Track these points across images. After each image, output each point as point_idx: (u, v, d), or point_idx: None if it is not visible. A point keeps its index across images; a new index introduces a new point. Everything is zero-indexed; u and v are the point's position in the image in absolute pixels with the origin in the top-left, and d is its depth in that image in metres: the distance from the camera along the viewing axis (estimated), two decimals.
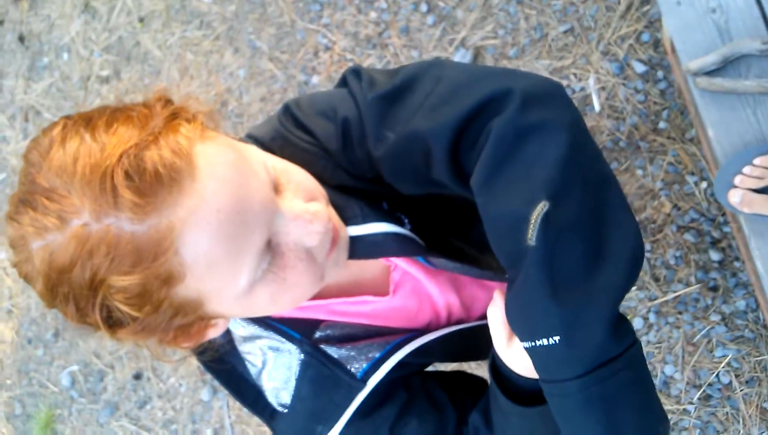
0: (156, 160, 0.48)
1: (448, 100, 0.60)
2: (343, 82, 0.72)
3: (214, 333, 0.62)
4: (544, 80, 0.60)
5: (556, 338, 0.53)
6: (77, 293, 0.49)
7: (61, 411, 2.75)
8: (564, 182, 0.53)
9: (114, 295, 0.49)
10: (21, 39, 2.96)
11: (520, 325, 0.57)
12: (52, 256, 0.48)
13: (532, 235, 0.52)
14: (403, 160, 0.65)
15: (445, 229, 0.83)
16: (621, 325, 0.55)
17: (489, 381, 0.69)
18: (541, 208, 0.52)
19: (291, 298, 0.61)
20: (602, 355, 0.54)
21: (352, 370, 0.72)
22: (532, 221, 0.52)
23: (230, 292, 0.54)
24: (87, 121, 0.51)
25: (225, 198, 0.51)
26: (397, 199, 0.75)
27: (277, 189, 0.58)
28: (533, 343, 0.55)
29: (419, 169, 0.64)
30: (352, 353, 0.73)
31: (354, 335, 0.76)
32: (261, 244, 0.54)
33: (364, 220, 0.69)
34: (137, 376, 2.56)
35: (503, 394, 0.66)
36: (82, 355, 2.70)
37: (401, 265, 0.79)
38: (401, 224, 0.73)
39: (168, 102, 0.56)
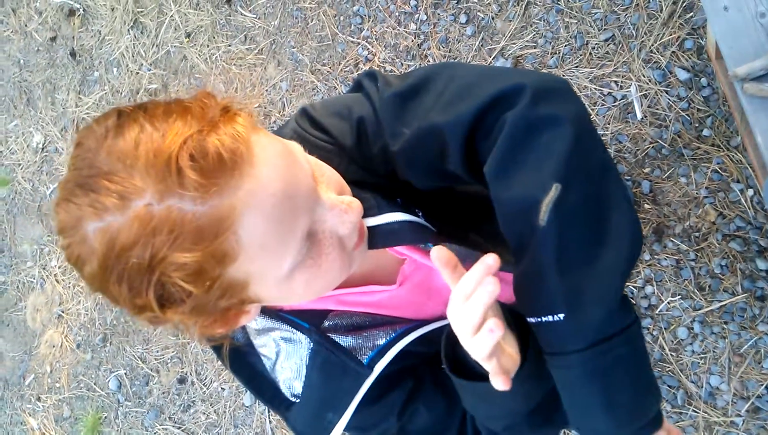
0: (218, 145, 0.50)
1: (463, 96, 0.64)
2: (357, 87, 0.77)
3: (245, 320, 0.64)
4: (552, 77, 0.65)
5: (561, 315, 0.58)
6: (133, 272, 0.51)
7: (108, 414, 2.82)
8: (570, 171, 0.58)
9: (172, 273, 0.51)
10: (72, 54, 3.08)
11: (526, 302, 0.62)
12: (112, 236, 0.49)
13: (543, 217, 0.57)
14: (419, 153, 0.69)
15: (459, 223, 0.86)
16: (622, 304, 0.60)
17: (445, 366, 0.72)
18: (554, 191, 0.57)
19: (323, 285, 0.64)
20: (603, 331, 0.59)
21: (360, 357, 0.75)
22: (545, 204, 0.57)
23: (274, 274, 0.57)
24: (144, 110, 0.53)
25: (278, 184, 0.54)
26: (411, 195, 0.78)
27: (314, 181, 0.62)
28: (539, 319, 0.61)
29: (434, 161, 0.68)
30: (359, 341, 0.76)
31: (361, 324, 0.79)
32: (305, 229, 0.57)
33: (380, 211, 0.72)
34: (181, 381, 2.62)
35: (453, 373, 0.70)
36: (128, 359, 2.78)
37: (415, 257, 0.82)
38: (416, 215, 0.76)
39: (214, 98, 0.59)
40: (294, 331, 0.75)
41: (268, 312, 0.76)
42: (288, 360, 0.75)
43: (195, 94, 0.58)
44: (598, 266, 0.58)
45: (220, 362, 0.82)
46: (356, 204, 0.64)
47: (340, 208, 0.61)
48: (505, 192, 0.61)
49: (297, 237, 0.56)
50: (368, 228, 0.71)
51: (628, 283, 1.82)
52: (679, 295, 1.76)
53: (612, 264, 0.58)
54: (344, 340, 0.76)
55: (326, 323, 0.77)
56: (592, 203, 0.59)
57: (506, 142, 0.60)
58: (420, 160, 0.70)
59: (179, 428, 2.61)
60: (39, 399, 3.06)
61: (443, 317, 0.84)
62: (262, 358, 0.77)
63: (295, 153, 0.59)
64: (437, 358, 0.83)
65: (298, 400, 0.75)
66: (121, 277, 0.51)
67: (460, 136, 0.63)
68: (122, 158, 0.49)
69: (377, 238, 0.72)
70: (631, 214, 0.60)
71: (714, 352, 1.71)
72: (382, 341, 0.77)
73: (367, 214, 0.71)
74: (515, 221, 0.61)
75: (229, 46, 2.60)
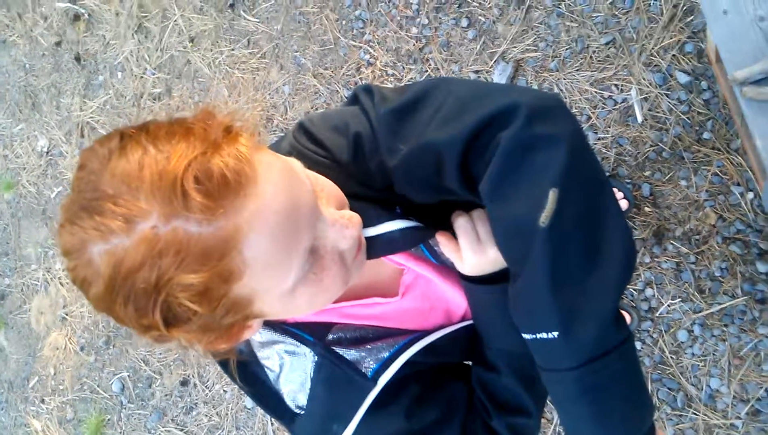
0: (222, 167, 0.51)
1: (459, 114, 0.65)
2: (354, 100, 0.77)
3: (248, 334, 0.64)
4: (547, 95, 0.65)
5: (555, 333, 0.59)
6: (140, 294, 0.50)
7: (111, 416, 2.83)
8: (566, 189, 0.58)
9: (178, 293, 0.51)
10: (77, 59, 3.11)
11: (522, 319, 0.63)
12: (118, 259, 0.49)
13: (546, 219, 0.57)
14: (415, 170, 0.69)
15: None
16: (616, 321, 0.60)
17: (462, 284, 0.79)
18: (553, 194, 0.57)
19: (325, 299, 0.65)
20: (597, 349, 0.60)
21: (363, 370, 0.75)
22: (548, 209, 0.57)
23: (277, 291, 0.58)
24: (146, 132, 0.54)
25: (281, 202, 0.54)
26: (409, 206, 0.78)
27: (315, 197, 0.62)
28: (534, 336, 0.62)
29: (431, 177, 0.69)
30: (363, 354, 0.76)
31: (365, 337, 0.79)
32: (308, 245, 0.58)
33: (379, 221, 0.73)
34: (184, 383, 2.63)
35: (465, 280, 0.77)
36: (131, 361, 2.79)
37: (413, 267, 0.82)
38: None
39: (216, 117, 0.59)
40: (298, 344, 0.75)
41: (272, 325, 0.76)
42: (292, 373, 0.75)
43: (196, 114, 0.58)
44: (593, 284, 0.58)
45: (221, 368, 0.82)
46: (356, 218, 0.65)
47: (341, 223, 0.62)
48: (500, 211, 0.62)
49: (300, 253, 0.57)
50: (367, 238, 0.71)
51: (627, 286, 1.82)
52: (679, 297, 1.76)
53: (606, 282, 0.59)
54: (348, 353, 0.76)
55: (331, 336, 0.77)
56: (587, 222, 0.59)
57: (501, 161, 0.60)
58: (417, 176, 0.70)
59: (182, 430, 2.62)
60: (43, 401, 3.07)
61: (444, 326, 0.85)
62: (266, 370, 0.77)
63: (296, 170, 0.60)
64: (441, 366, 0.84)
65: (302, 412, 0.75)
66: (127, 298, 0.51)
67: (457, 154, 0.63)
68: (127, 181, 0.49)
69: (378, 247, 0.72)
70: (626, 231, 0.61)
71: (714, 354, 1.71)
72: (385, 354, 0.77)
73: (366, 224, 0.71)
74: (511, 239, 0.62)
75: (233, 50, 2.62)
